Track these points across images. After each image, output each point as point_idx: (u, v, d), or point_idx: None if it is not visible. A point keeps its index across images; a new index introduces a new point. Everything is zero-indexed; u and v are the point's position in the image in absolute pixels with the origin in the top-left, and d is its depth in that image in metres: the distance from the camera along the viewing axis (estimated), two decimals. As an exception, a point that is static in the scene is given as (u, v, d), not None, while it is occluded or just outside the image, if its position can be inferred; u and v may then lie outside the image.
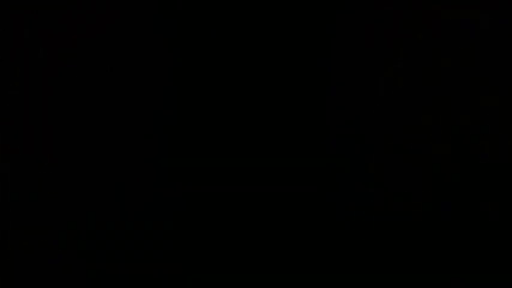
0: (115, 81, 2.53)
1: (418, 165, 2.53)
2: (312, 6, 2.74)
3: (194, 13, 2.71)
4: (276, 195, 2.76)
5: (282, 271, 2.73)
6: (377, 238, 2.61)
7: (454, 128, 2.46)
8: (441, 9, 2.48)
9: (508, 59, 2.36)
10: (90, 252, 2.47)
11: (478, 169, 2.41)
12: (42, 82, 2.35)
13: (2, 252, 2.27)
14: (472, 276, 2.42)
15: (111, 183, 2.52)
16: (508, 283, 2.36)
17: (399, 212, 2.57)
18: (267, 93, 2.75)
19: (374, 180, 2.62)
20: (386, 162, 2.60)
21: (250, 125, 2.75)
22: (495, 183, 2.38)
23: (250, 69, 2.75)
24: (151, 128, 2.63)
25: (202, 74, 2.72)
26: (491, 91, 2.39)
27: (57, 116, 2.39)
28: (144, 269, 2.60)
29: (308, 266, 2.73)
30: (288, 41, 2.75)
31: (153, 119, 2.63)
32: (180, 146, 2.69)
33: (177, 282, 2.68)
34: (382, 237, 2.60)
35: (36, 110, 2.33)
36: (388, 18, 2.59)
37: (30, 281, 2.33)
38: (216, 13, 2.72)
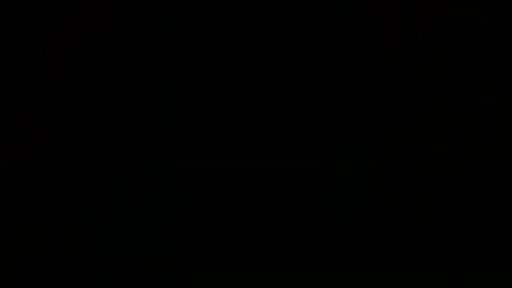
0: (115, 81, 2.53)
1: (418, 165, 2.53)
2: (312, 6, 2.74)
3: (194, 13, 2.71)
4: (276, 195, 2.76)
5: (282, 271, 2.73)
6: (377, 238, 2.61)
7: (454, 128, 2.46)
8: (441, 9, 2.48)
9: (508, 59, 2.36)
10: (90, 252, 2.47)
11: (478, 169, 2.41)
12: (42, 82, 2.35)
13: (2, 252, 2.27)
14: (472, 276, 2.42)
15: (111, 183, 2.52)
16: (508, 283, 2.36)
17: (399, 212, 2.57)
18: (267, 94, 2.75)
19: (374, 180, 2.62)
20: (387, 162, 2.60)
21: (250, 125, 2.75)
22: (495, 183, 2.38)
23: (250, 69, 2.75)
24: (151, 128, 2.63)
25: (202, 74, 2.72)
26: (491, 91, 2.39)
27: (57, 116, 2.39)
28: (144, 269, 2.60)
29: (308, 266, 2.73)
30: (288, 41, 2.75)
31: (153, 119, 2.63)
32: (180, 146, 2.69)
33: (177, 282, 2.68)
34: (382, 237, 2.60)
35: (36, 110, 2.33)
36: (388, 18, 2.59)
37: (30, 281, 2.33)
38: (216, 13, 2.72)
